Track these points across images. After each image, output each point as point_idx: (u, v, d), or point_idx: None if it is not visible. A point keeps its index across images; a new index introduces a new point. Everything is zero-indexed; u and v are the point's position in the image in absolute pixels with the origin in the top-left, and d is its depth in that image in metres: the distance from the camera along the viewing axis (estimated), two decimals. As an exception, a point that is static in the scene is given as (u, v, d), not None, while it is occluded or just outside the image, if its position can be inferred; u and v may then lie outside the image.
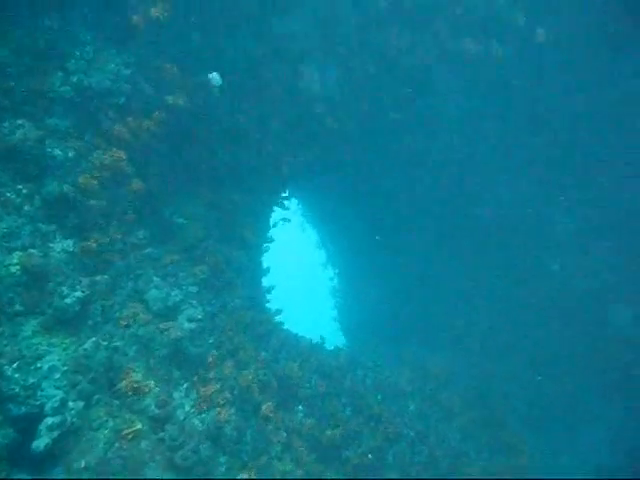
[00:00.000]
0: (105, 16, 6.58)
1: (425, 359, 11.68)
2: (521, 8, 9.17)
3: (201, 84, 7.88)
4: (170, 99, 7.51)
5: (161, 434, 6.44)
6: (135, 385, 6.46)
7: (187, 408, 7.15)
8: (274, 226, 12.45)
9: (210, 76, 7.74)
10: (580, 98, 10.39)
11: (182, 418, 6.90)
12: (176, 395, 7.36)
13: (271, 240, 12.05)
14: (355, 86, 10.40)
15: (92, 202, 7.00)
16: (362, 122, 11.07)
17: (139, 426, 6.31)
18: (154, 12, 6.44)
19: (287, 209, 12.30)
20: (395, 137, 11.84)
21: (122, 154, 7.14)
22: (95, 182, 6.70)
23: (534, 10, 9.32)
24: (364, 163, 12.62)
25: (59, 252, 6.80)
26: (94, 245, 7.18)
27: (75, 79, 6.54)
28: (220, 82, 7.89)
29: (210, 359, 8.04)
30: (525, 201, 11.74)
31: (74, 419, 6.03)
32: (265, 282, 11.97)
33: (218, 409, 7.28)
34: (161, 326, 7.66)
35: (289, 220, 12.61)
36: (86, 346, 6.53)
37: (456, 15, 9.30)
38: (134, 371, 6.80)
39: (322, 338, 11.63)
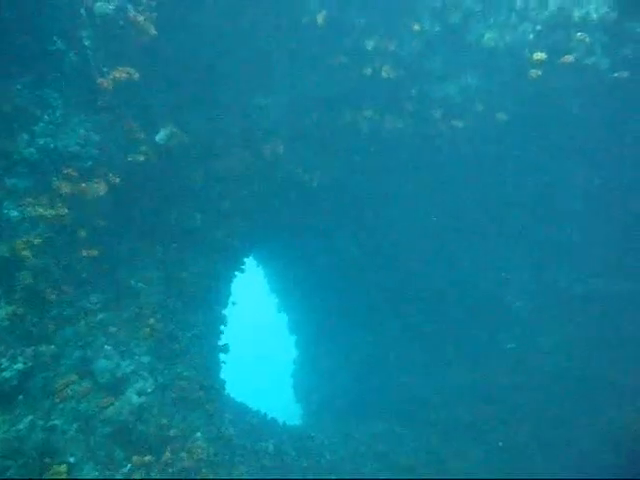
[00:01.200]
0: (76, 82, 6.58)
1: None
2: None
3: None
4: (130, 157, 7.44)
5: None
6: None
7: (128, 496, 6.55)
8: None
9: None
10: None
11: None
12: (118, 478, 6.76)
13: (232, 304, 11.80)
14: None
15: (32, 263, 6.60)
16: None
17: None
18: (119, 75, 6.50)
19: (243, 272, 12.13)
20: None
21: (65, 211, 6.87)
22: (27, 247, 6.36)
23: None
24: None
25: (2, 319, 6.33)
26: (37, 312, 6.76)
27: (42, 142, 6.41)
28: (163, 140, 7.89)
29: (158, 439, 7.51)
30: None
31: (-4, 514, 5.38)
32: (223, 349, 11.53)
33: (162, 498, 6.70)
34: (106, 401, 7.15)
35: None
36: (20, 426, 5.96)
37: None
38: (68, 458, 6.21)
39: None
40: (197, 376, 9.21)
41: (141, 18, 6.27)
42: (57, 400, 6.54)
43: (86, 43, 6.29)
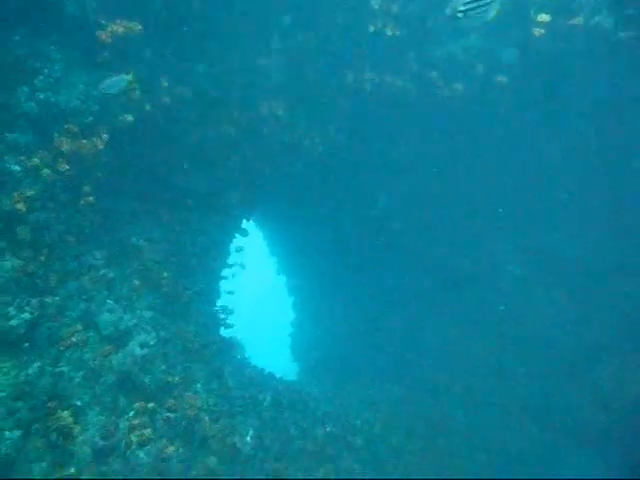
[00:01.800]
0: (75, 36, 6.53)
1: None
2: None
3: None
4: (128, 117, 7.46)
5: (104, 468, 6.19)
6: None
7: (132, 439, 6.90)
8: (238, 251, 12.39)
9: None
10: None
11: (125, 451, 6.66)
12: (122, 425, 7.11)
13: (229, 266, 11.98)
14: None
15: (35, 217, 6.74)
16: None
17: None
18: (117, 28, 6.44)
19: (246, 235, 12.27)
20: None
21: (66, 166, 6.95)
22: (24, 201, 6.47)
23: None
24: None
25: (8, 271, 6.52)
26: (42, 264, 6.95)
27: (42, 96, 6.42)
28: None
29: (160, 388, 7.84)
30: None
31: (8, 450, 5.72)
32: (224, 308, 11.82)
33: (164, 441, 7.07)
34: (109, 350, 7.43)
35: (242, 249, 12.53)
36: (29, 371, 6.24)
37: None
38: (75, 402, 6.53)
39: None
40: (198, 331, 9.51)
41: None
42: (62, 349, 6.81)
43: (84, -6, 6.21)
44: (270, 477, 8.45)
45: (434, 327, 13.50)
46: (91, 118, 6.90)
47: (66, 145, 6.75)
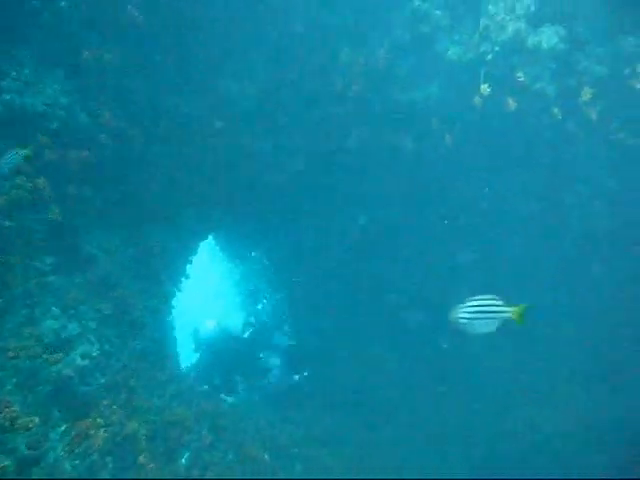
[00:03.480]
0: (52, 44, 6.70)
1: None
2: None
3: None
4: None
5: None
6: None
7: (60, 452, 6.68)
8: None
9: None
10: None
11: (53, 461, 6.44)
12: (52, 436, 6.87)
13: (187, 277, 11.99)
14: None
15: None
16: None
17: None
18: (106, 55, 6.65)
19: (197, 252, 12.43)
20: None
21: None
22: None
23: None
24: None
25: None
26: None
27: (8, 97, 6.49)
28: None
29: (98, 401, 7.65)
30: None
31: None
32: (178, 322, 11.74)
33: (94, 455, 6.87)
34: (49, 359, 7.24)
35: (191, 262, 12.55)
36: (-41, 374, 6.02)
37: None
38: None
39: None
40: (145, 346, 9.39)
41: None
42: (10, 355, 6.62)
43: (62, 4, 6.43)
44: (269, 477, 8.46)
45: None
46: (56, 124, 6.98)
47: (29, 150, 6.78)
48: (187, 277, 11.90)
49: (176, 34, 8.17)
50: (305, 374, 12.59)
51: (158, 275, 10.22)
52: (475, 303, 4.92)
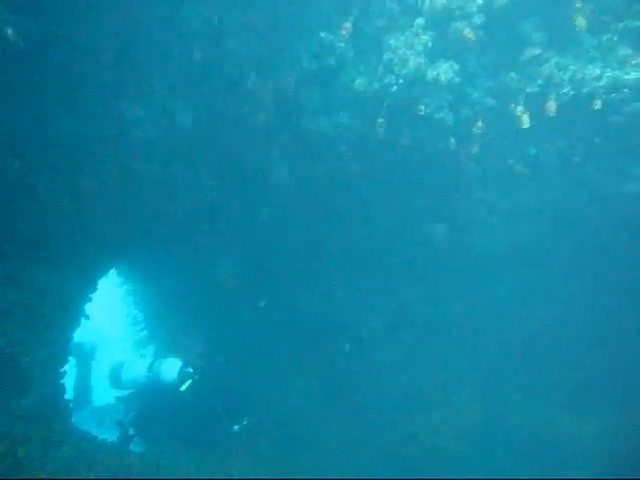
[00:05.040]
0: None
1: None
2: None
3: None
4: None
5: None
6: None
7: None
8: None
9: None
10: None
11: None
12: None
13: (78, 324, 10.81)
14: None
15: None
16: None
17: None
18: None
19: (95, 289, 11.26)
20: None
21: None
22: None
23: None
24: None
25: None
26: None
27: None
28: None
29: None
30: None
31: None
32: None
33: None
34: None
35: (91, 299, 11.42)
36: None
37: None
38: None
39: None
40: (35, 405, 8.26)
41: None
42: None
43: None
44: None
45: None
46: None
47: None
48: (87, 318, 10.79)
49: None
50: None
51: (50, 320, 9.07)
52: None
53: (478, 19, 9.47)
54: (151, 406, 10.63)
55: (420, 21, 9.42)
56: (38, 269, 9.11)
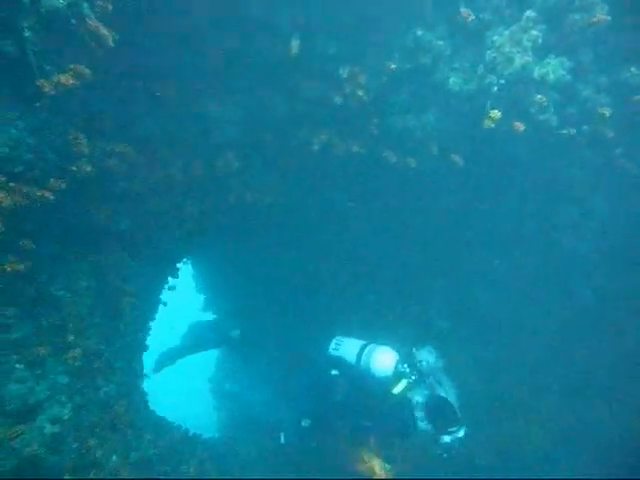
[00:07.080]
0: (9, 74, 5.71)
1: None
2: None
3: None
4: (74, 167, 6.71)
5: None
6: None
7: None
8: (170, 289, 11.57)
9: None
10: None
11: None
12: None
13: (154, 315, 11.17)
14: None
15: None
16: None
17: None
18: (64, 80, 5.72)
19: (176, 277, 11.46)
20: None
21: None
22: None
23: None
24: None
25: None
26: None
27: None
28: None
29: (72, 469, 6.92)
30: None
31: None
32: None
33: None
34: (13, 432, 6.41)
35: (174, 287, 11.74)
36: None
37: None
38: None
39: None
40: (118, 394, 8.65)
41: (98, 24, 5.50)
42: None
43: (27, 35, 5.45)
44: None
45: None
46: (22, 167, 6.04)
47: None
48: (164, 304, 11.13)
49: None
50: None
51: (130, 311, 9.35)
52: None
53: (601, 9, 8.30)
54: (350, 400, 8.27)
55: (530, 14, 8.35)
56: (120, 259, 9.37)
